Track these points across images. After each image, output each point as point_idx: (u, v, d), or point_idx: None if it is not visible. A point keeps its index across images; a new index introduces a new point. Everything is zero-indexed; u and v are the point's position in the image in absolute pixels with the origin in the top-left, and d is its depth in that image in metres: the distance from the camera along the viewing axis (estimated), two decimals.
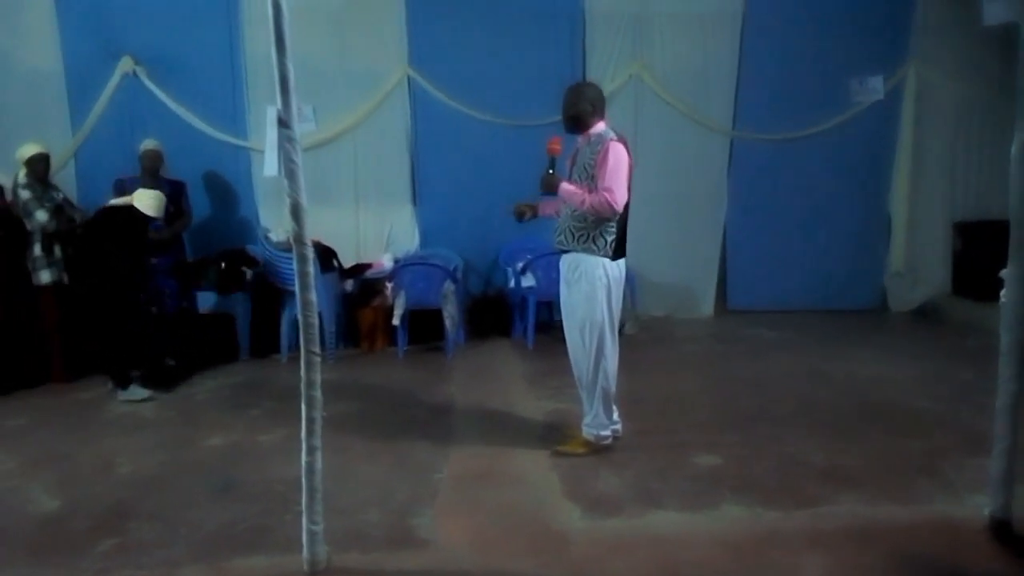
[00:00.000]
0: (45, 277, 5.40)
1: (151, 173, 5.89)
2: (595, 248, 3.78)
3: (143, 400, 5.08)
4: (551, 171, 3.81)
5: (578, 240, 3.81)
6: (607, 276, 3.80)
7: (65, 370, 5.53)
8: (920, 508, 3.35)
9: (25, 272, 5.42)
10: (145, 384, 5.21)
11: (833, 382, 5.28)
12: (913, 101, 7.33)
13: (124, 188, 5.79)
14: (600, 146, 3.72)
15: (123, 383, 5.14)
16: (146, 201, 5.16)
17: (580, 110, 3.82)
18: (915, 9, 7.18)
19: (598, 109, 3.86)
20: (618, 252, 3.83)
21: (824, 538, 3.07)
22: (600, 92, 3.95)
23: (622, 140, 3.77)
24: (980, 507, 3.18)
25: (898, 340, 6.66)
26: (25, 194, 5.36)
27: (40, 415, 4.87)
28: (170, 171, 6.10)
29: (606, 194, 3.65)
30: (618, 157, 3.69)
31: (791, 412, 4.63)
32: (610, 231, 3.78)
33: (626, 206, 3.75)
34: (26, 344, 5.43)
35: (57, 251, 5.44)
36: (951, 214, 7.52)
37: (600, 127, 3.85)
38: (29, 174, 5.41)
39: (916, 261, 7.57)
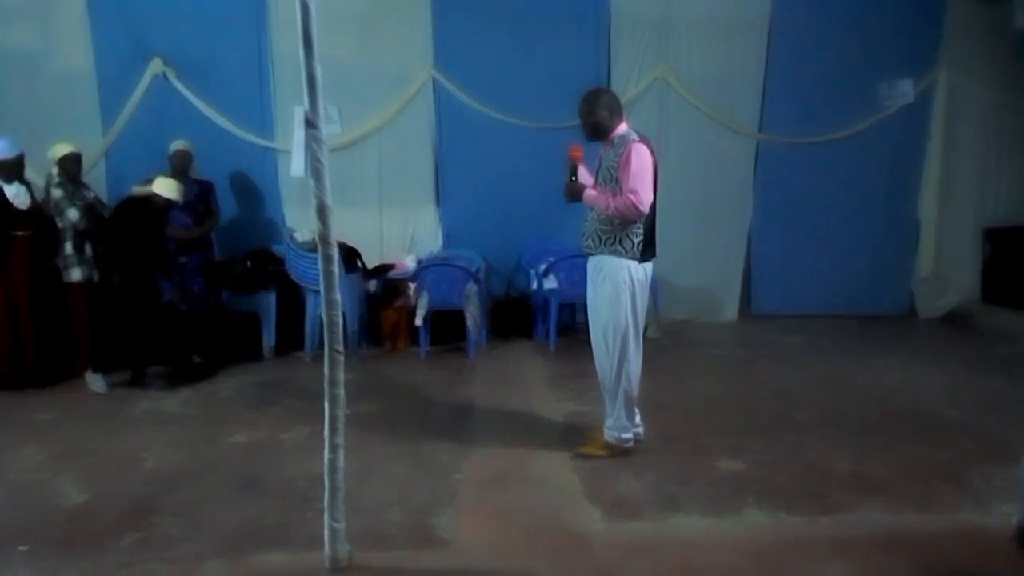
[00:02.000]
0: (76, 275, 5.48)
1: (180, 173, 5.96)
2: (622, 250, 3.77)
3: (101, 393, 5.25)
4: (573, 178, 3.82)
5: (604, 243, 3.80)
6: (631, 279, 3.79)
7: None
8: (946, 516, 3.31)
9: (55, 270, 5.51)
10: (171, 380, 5.36)
11: (859, 389, 5.22)
12: (943, 105, 7.24)
13: None
14: (623, 148, 3.72)
15: (102, 369, 5.34)
16: (166, 187, 5.34)
17: (598, 118, 3.80)
18: (946, 12, 7.09)
19: (615, 113, 3.85)
20: (646, 254, 3.82)
21: (848, 546, 3.04)
22: (614, 96, 3.95)
23: (644, 140, 3.76)
24: (1007, 516, 3.14)
25: (925, 347, 6.57)
26: (57, 193, 5.45)
27: (69, 410, 4.94)
28: (199, 171, 6.18)
29: (631, 196, 3.64)
30: (641, 158, 3.68)
31: (815, 418, 4.59)
32: (636, 233, 3.77)
33: (652, 206, 3.74)
34: (56, 340, 5.51)
35: (88, 249, 5.52)
36: (981, 219, 7.42)
37: (622, 129, 3.83)
38: (61, 173, 5.50)
39: (945, 267, 7.47)
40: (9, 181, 5.35)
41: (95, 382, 5.30)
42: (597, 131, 3.84)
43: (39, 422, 4.73)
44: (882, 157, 7.32)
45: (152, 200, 5.34)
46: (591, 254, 3.90)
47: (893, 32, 7.08)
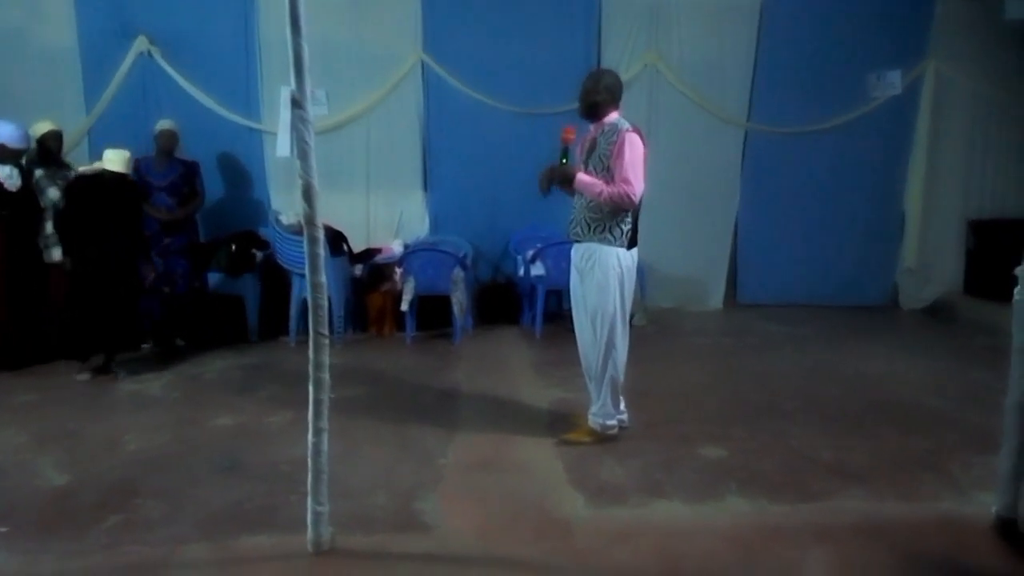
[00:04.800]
0: (56, 255, 5.41)
1: (166, 153, 5.90)
2: (611, 238, 3.77)
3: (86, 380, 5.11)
4: (564, 160, 3.80)
5: (594, 231, 3.79)
6: (620, 266, 3.79)
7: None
8: (926, 505, 3.34)
9: (36, 250, 5.44)
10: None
11: (842, 378, 5.25)
12: (931, 97, 7.25)
13: (138, 168, 5.81)
14: (615, 136, 3.71)
15: (74, 357, 5.19)
16: (114, 160, 5.16)
17: (599, 98, 3.79)
18: (935, 3, 7.09)
19: (615, 98, 3.84)
20: (632, 242, 3.83)
21: (829, 533, 3.07)
22: (619, 81, 3.92)
23: (636, 130, 3.75)
24: (987, 505, 3.17)
25: (908, 337, 6.61)
26: (38, 172, 5.38)
27: (49, 392, 4.90)
28: (184, 151, 6.11)
29: (624, 186, 3.64)
30: (634, 148, 3.68)
31: (799, 407, 4.62)
32: (626, 221, 3.78)
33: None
34: (37, 321, 5.45)
35: None
36: (966, 211, 7.45)
37: (614, 117, 3.82)
38: (41, 151, 5.43)
39: (929, 258, 7.51)
40: (3, 163, 5.27)
41: (78, 373, 5.16)
42: (593, 111, 3.83)
43: (18, 404, 4.69)
44: (869, 148, 7.33)
45: (104, 177, 5.13)
46: (579, 241, 3.89)
47: (882, 23, 7.08)
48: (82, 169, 5.28)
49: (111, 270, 5.11)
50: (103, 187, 5.11)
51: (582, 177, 3.75)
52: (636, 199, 3.69)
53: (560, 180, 3.82)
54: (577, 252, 3.94)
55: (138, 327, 5.55)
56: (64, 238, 5.16)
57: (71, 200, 5.13)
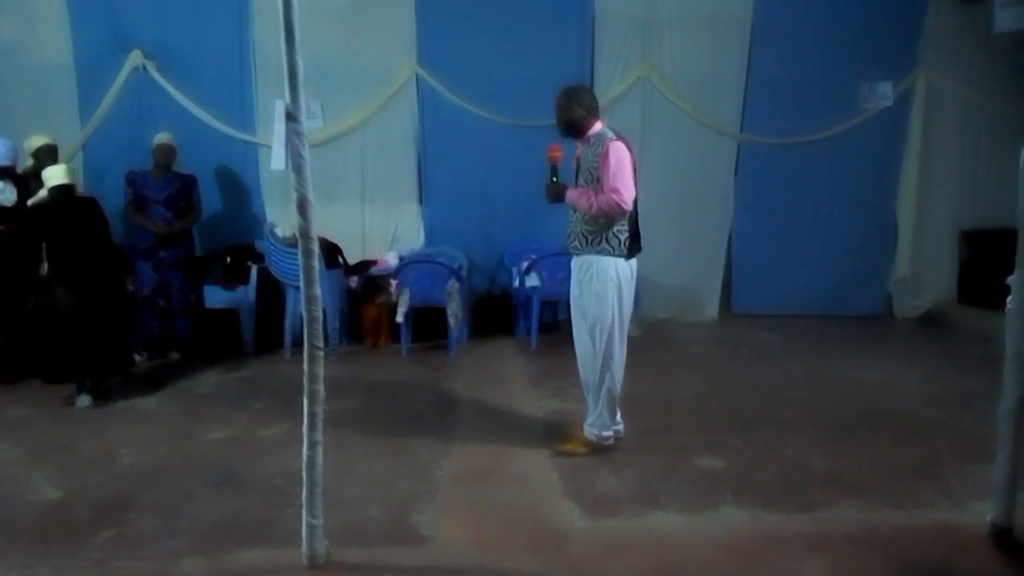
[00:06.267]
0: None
1: (163, 167, 5.91)
2: (610, 248, 3.78)
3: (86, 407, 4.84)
4: (554, 179, 3.84)
5: (591, 243, 3.81)
6: (618, 276, 3.81)
7: None
8: (922, 514, 3.34)
9: (33, 264, 5.41)
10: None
11: (836, 387, 5.26)
12: (922, 107, 7.30)
13: (135, 181, 5.83)
14: (600, 147, 3.73)
15: (60, 380, 5.03)
16: (55, 175, 4.91)
17: (574, 115, 3.82)
18: (925, 15, 7.15)
19: (592, 111, 3.86)
20: (633, 250, 3.84)
21: (824, 543, 3.06)
22: (591, 93, 3.98)
23: (620, 138, 3.78)
24: (982, 514, 3.17)
25: (902, 346, 6.64)
26: (32, 184, 5.37)
27: (43, 406, 4.88)
28: (180, 165, 6.11)
29: (612, 194, 3.66)
30: (619, 156, 3.70)
31: (793, 416, 4.62)
32: (622, 230, 3.79)
33: (634, 202, 3.76)
34: (32, 335, 5.43)
35: None
36: (958, 221, 7.48)
37: (597, 127, 3.85)
38: (36, 165, 5.43)
39: (922, 268, 7.55)
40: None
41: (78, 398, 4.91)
42: (572, 128, 3.86)
43: (12, 418, 4.67)
44: (861, 159, 7.37)
45: (54, 197, 4.90)
46: (578, 254, 3.90)
47: (873, 34, 7.13)
48: (31, 202, 5.08)
49: (80, 287, 4.90)
50: (55, 208, 4.92)
51: (572, 192, 3.80)
52: (627, 206, 3.70)
53: (553, 198, 3.86)
54: (576, 264, 3.95)
55: (129, 346, 5.53)
56: (49, 263, 5.03)
57: (35, 231, 4.97)
